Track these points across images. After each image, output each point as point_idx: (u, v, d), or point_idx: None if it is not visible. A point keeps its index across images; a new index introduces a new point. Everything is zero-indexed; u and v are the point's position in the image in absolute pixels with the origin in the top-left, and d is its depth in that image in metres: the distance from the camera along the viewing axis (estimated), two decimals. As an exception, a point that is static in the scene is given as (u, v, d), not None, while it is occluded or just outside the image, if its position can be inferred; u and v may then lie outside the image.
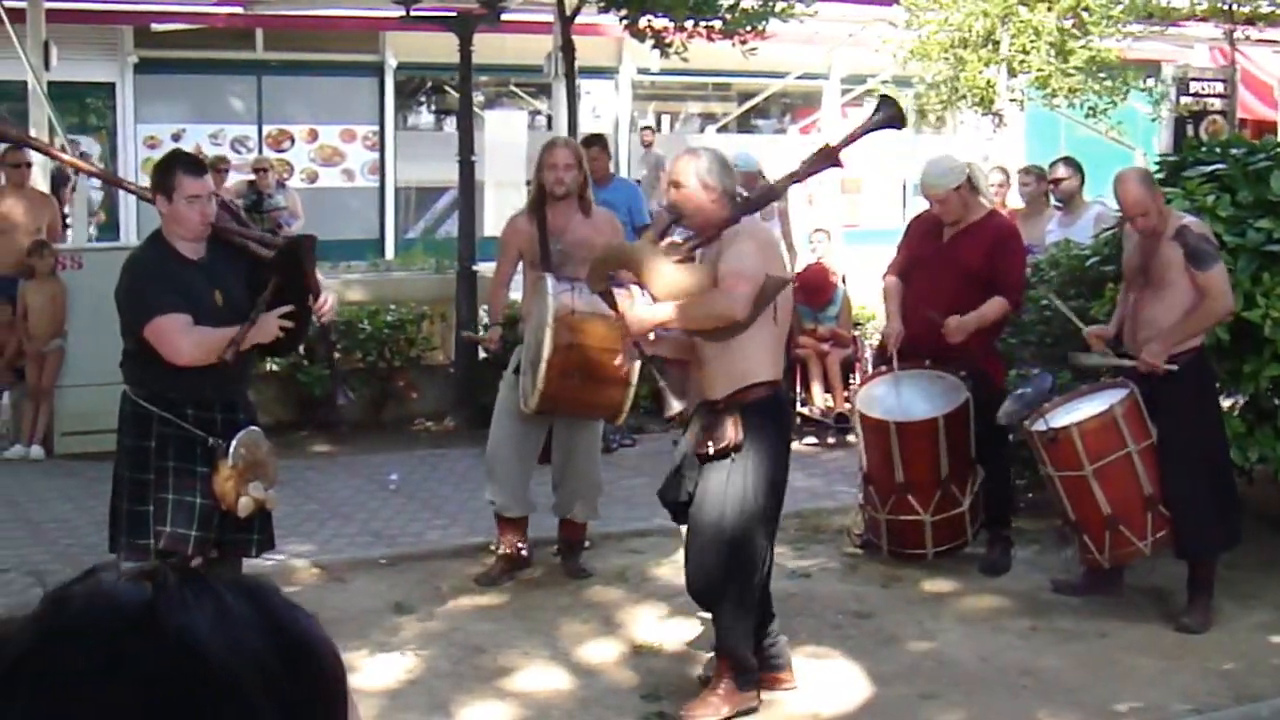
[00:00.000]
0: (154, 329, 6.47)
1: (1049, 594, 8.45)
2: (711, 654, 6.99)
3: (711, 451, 6.50)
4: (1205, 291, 7.73)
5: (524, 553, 8.58)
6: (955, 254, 8.62)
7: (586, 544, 8.85)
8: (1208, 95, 22.05)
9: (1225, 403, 8.91)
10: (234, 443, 6.57)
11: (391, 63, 22.90)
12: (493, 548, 8.71)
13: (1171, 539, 7.96)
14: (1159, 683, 7.28)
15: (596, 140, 11.96)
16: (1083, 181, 12.40)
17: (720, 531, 6.56)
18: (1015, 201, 13.19)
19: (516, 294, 9.17)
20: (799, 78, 24.00)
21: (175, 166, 6.72)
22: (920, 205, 9.42)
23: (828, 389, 12.65)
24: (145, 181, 7.47)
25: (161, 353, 6.48)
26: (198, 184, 6.53)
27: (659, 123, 26.18)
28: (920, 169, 9.08)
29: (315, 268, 6.80)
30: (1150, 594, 8.39)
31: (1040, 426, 7.99)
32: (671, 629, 7.81)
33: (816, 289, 12.75)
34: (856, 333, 13.13)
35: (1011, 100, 17.96)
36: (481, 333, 10.73)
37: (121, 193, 20.52)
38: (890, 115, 7.12)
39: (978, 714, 6.91)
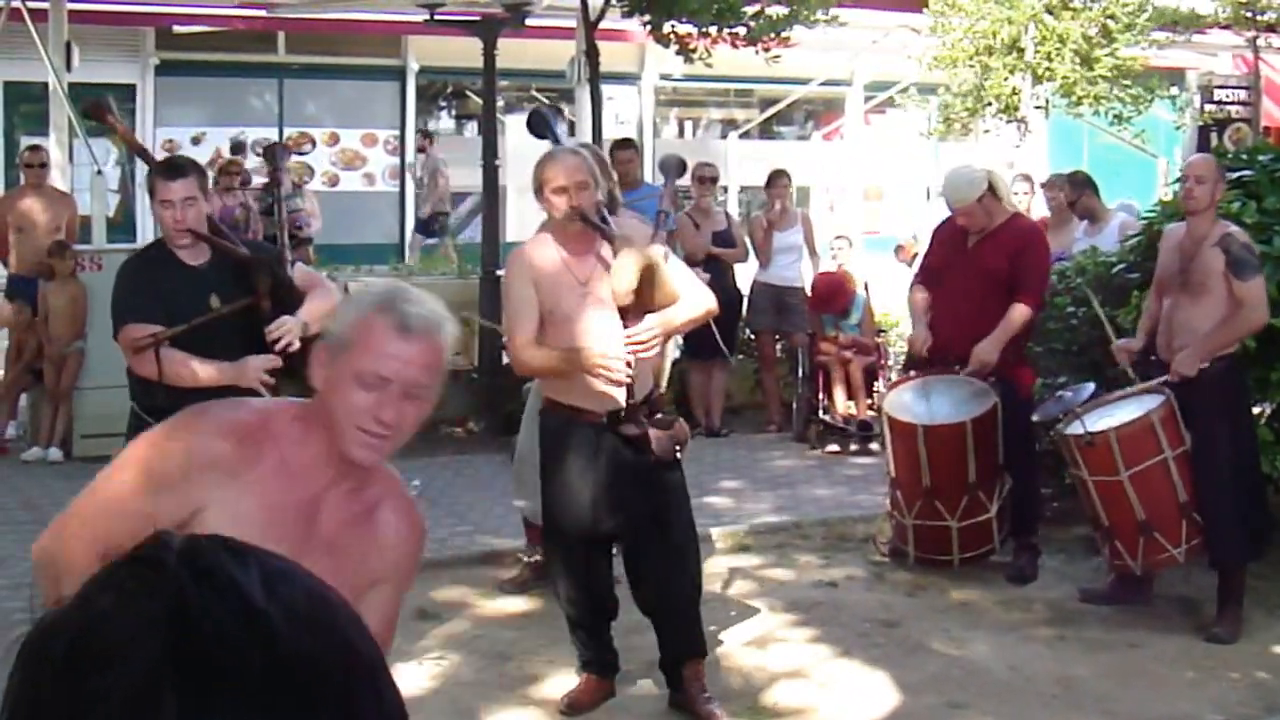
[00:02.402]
0: (122, 337, 6.31)
1: (1077, 603, 8.40)
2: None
3: (681, 453, 6.53)
4: (1242, 301, 7.67)
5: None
6: (980, 260, 8.59)
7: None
8: (1231, 103, 21.95)
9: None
10: None
11: (414, 66, 22.88)
12: (520, 554, 8.68)
13: (1204, 547, 7.92)
14: (1189, 692, 7.23)
15: (627, 144, 11.92)
16: (1094, 193, 12.40)
17: (691, 528, 6.77)
18: (1040, 209, 13.16)
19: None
20: (822, 84, 23.96)
21: (154, 169, 6.64)
22: (941, 212, 9.36)
23: (850, 396, 12.58)
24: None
25: (129, 363, 6.31)
26: (168, 188, 6.34)
27: (681, 129, 26.15)
28: (943, 176, 9.02)
29: (269, 293, 6.43)
30: (1179, 603, 8.34)
31: (1077, 430, 7.94)
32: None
33: (832, 295, 12.71)
34: (879, 340, 13.08)
35: (1036, 108, 17.91)
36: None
37: (138, 196, 20.57)
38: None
39: (1009, 723, 6.87)
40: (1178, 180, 8.38)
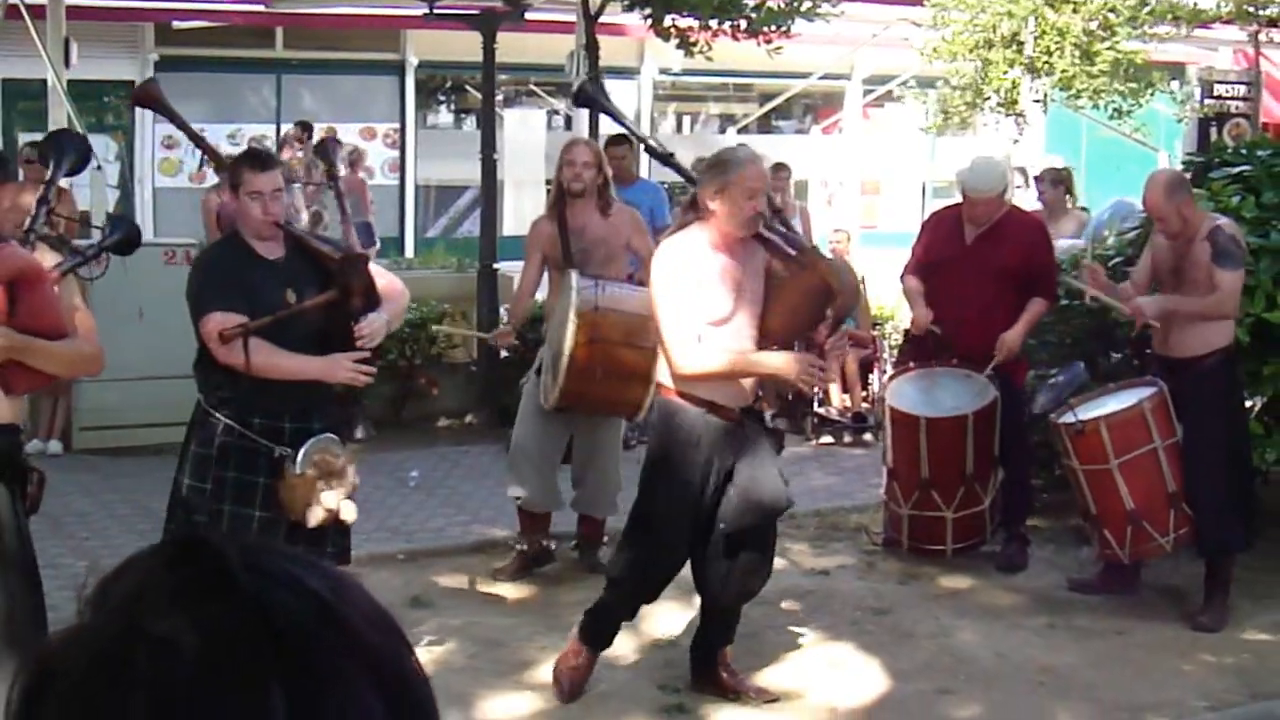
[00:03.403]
0: (204, 328, 6.27)
1: (1066, 592, 8.48)
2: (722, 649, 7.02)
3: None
4: (1217, 287, 7.74)
5: (548, 547, 8.66)
6: (985, 254, 8.61)
7: (605, 539, 8.88)
8: (1231, 98, 21.98)
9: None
10: (303, 451, 6.27)
11: (412, 61, 22.94)
12: (512, 543, 8.75)
13: (1193, 537, 7.98)
14: (1176, 680, 7.30)
15: (621, 140, 11.97)
16: (1068, 190, 12.61)
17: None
18: (1029, 204, 13.24)
19: (544, 293, 9.17)
20: (821, 78, 24.01)
21: (241, 161, 6.60)
22: (937, 206, 9.40)
23: (846, 389, 12.64)
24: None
25: (213, 353, 6.29)
26: (258, 179, 6.30)
27: (680, 123, 26.21)
28: (969, 164, 8.96)
29: (361, 289, 6.44)
30: (1166, 593, 8.41)
31: (1068, 419, 8.01)
32: (689, 622, 7.83)
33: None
34: (875, 333, 13.13)
35: (1035, 101, 17.97)
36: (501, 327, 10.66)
37: (136, 192, 20.64)
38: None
39: (995, 710, 6.94)
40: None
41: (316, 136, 18.19)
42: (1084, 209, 13.57)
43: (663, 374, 6.67)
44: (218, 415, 6.38)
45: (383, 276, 6.79)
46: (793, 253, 6.78)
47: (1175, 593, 8.40)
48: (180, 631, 1.02)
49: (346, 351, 6.36)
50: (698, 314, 6.36)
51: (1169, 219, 7.80)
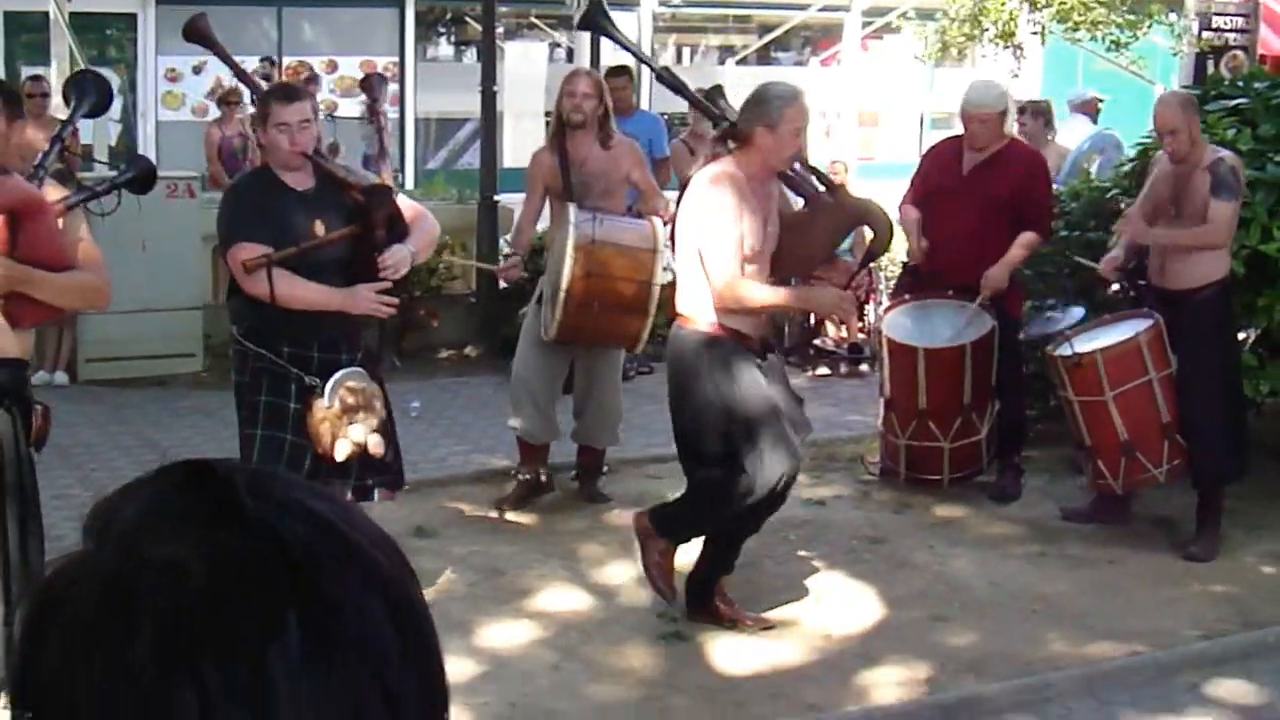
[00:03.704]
0: (232, 257, 6.41)
1: (1059, 521, 8.57)
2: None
3: None
4: (1211, 218, 7.79)
5: (545, 478, 8.72)
6: (980, 184, 8.61)
7: (605, 469, 8.98)
8: (1229, 30, 21.92)
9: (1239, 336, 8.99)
10: (331, 382, 6.37)
11: (412, -7, 22.88)
12: (513, 472, 8.83)
13: (1186, 468, 8.07)
14: (1167, 609, 7.40)
15: (620, 71, 11.99)
16: (1047, 123, 12.65)
17: None
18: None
19: (545, 224, 9.22)
20: (820, 10, 23.95)
21: (268, 94, 6.74)
22: (935, 138, 9.43)
23: (841, 320, 12.70)
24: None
25: (239, 283, 6.42)
26: (285, 111, 6.41)
27: (679, 55, 26.15)
28: (956, 98, 8.96)
29: (385, 221, 6.54)
30: (1158, 523, 8.50)
31: (1065, 351, 8.09)
32: (687, 550, 7.92)
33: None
34: (871, 265, 13.15)
35: (1033, 33, 17.94)
36: (502, 262, 10.73)
37: (139, 126, 20.60)
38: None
39: (988, 637, 7.04)
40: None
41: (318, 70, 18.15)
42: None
43: (686, 305, 6.74)
44: (248, 344, 6.52)
45: (411, 209, 6.88)
46: (821, 189, 6.91)
47: (1167, 523, 8.49)
48: (186, 558, 1.00)
49: (371, 282, 6.45)
50: (741, 246, 6.47)
51: (1179, 134, 7.79)
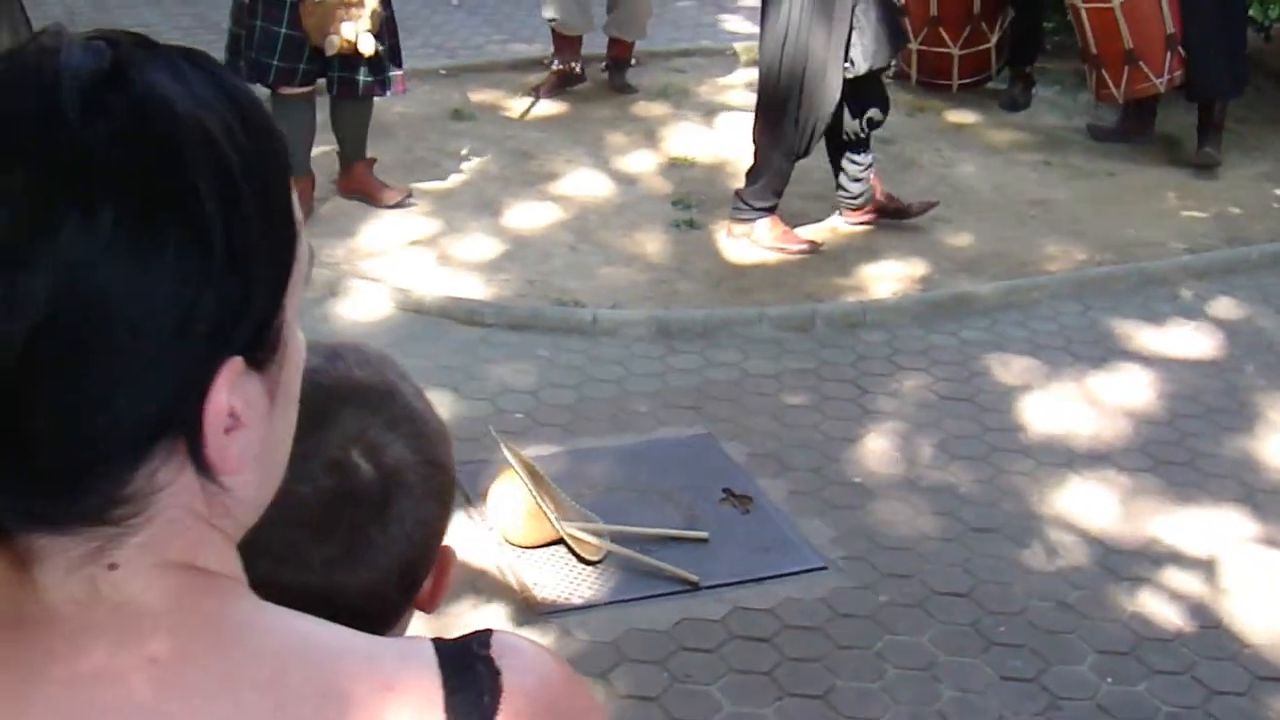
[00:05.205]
0: None
1: (1064, 132, 8.78)
2: None
3: None
4: None
5: (577, 69, 8.92)
6: None
7: (633, 61, 9.21)
8: None
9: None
10: None
11: None
12: (547, 62, 9.04)
13: (1185, 80, 8.22)
14: (1159, 221, 7.70)
15: None
16: None
17: None
18: None
19: None
20: None
21: None
22: None
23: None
24: None
25: None
26: None
27: None
28: None
29: None
30: (1161, 140, 8.67)
31: None
32: (706, 143, 8.25)
33: None
34: None
35: None
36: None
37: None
38: None
39: (987, 237, 7.39)
40: None
41: None
42: None
43: None
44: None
45: None
46: None
47: (1169, 141, 8.67)
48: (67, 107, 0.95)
49: None
50: None
51: None
